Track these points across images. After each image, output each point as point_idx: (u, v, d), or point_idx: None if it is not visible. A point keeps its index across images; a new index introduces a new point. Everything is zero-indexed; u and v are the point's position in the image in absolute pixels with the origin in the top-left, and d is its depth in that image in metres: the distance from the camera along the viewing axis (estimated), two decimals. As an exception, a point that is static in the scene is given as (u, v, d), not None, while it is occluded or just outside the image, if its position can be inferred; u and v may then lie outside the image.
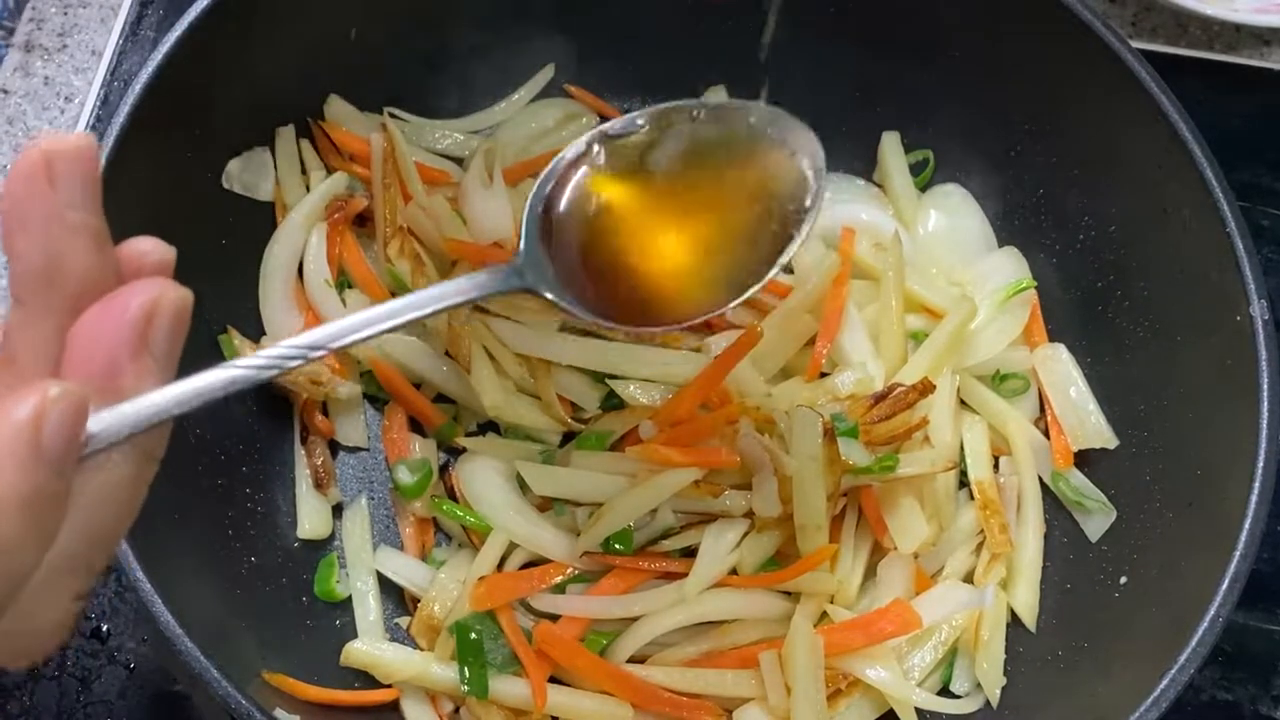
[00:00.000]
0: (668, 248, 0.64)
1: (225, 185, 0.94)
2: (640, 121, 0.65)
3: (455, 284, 0.60)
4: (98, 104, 1.08)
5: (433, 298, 0.57)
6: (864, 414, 0.88)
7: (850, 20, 1.03)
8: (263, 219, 0.97)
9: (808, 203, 0.63)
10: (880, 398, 0.89)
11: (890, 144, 1.07)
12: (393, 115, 1.02)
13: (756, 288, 0.65)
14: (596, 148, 0.64)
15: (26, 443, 0.36)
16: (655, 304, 0.64)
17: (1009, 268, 1.02)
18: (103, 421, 0.40)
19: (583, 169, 0.64)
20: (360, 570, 0.91)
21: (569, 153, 0.64)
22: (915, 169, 1.07)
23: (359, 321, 0.52)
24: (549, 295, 0.62)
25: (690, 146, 0.63)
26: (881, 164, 1.07)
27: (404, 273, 0.94)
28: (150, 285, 0.40)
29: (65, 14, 1.13)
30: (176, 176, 0.89)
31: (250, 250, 0.95)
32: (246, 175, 0.96)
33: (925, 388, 0.89)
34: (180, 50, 0.84)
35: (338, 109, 1.00)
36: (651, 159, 0.64)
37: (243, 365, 0.46)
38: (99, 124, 1.07)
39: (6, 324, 0.40)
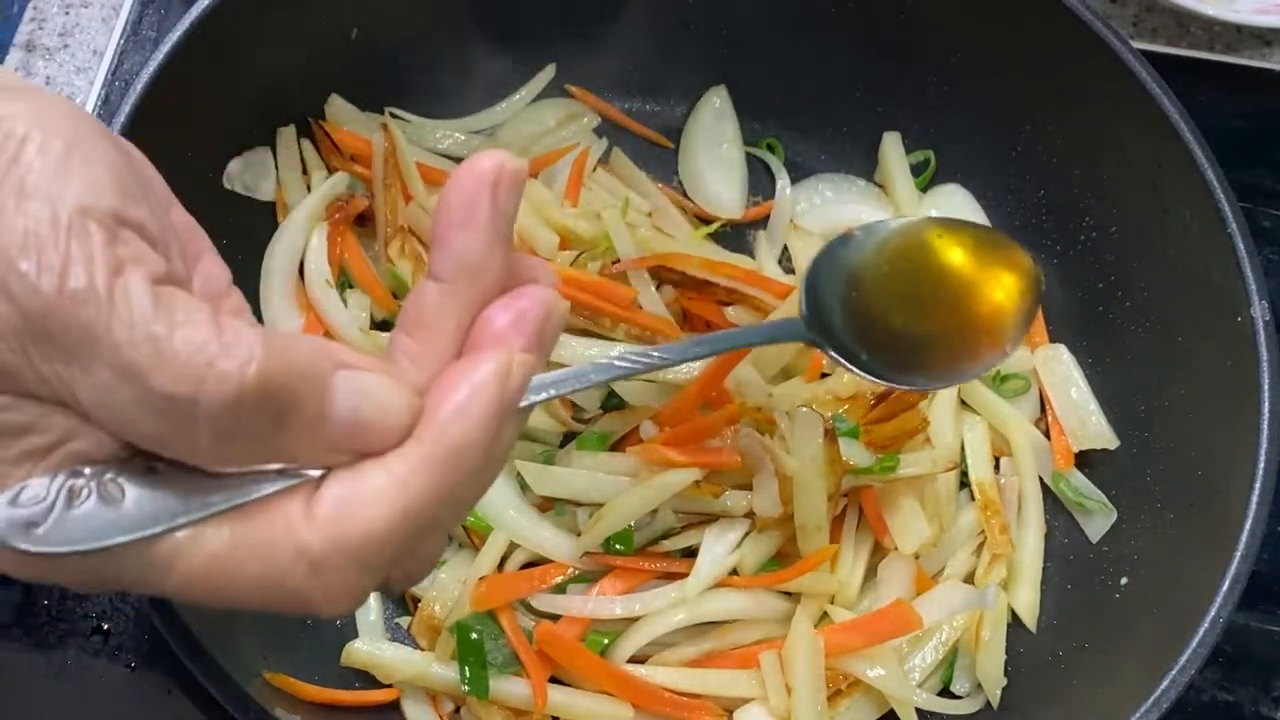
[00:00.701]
0: (918, 321, 0.76)
1: (226, 185, 0.94)
2: (893, 224, 0.79)
3: (752, 330, 0.84)
4: (99, 104, 1.08)
5: (729, 338, 0.76)
6: (865, 414, 0.88)
7: (851, 20, 1.03)
8: (263, 219, 0.97)
9: (1033, 304, 0.77)
10: (881, 398, 0.89)
11: (891, 144, 1.07)
12: (394, 115, 1.02)
13: (987, 363, 0.78)
14: (860, 234, 0.76)
15: (494, 393, 0.44)
16: (910, 365, 0.75)
17: None
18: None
19: (850, 247, 0.76)
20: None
21: (853, 232, 0.77)
22: (916, 169, 1.07)
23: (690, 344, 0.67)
24: (829, 351, 0.72)
25: (937, 248, 0.77)
26: (883, 164, 1.07)
27: (405, 273, 0.94)
28: (548, 292, 0.48)
29: (67, 14, 1.13)
30: (177, 176, 0.88)
31: (251, 250, 0.95)
32: (247, 175, 0.96)
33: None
34: (181, 50, 0.84)
35: (339, 109, 1.00)
36: (905, 250, 0.77)
37: (620, 361, 0.58)
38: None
39: (421, 294, 0.47)
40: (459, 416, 0.44)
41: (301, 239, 0.96)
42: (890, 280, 0.75)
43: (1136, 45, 0.93)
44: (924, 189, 1.07)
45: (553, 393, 0.51)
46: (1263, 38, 1.21)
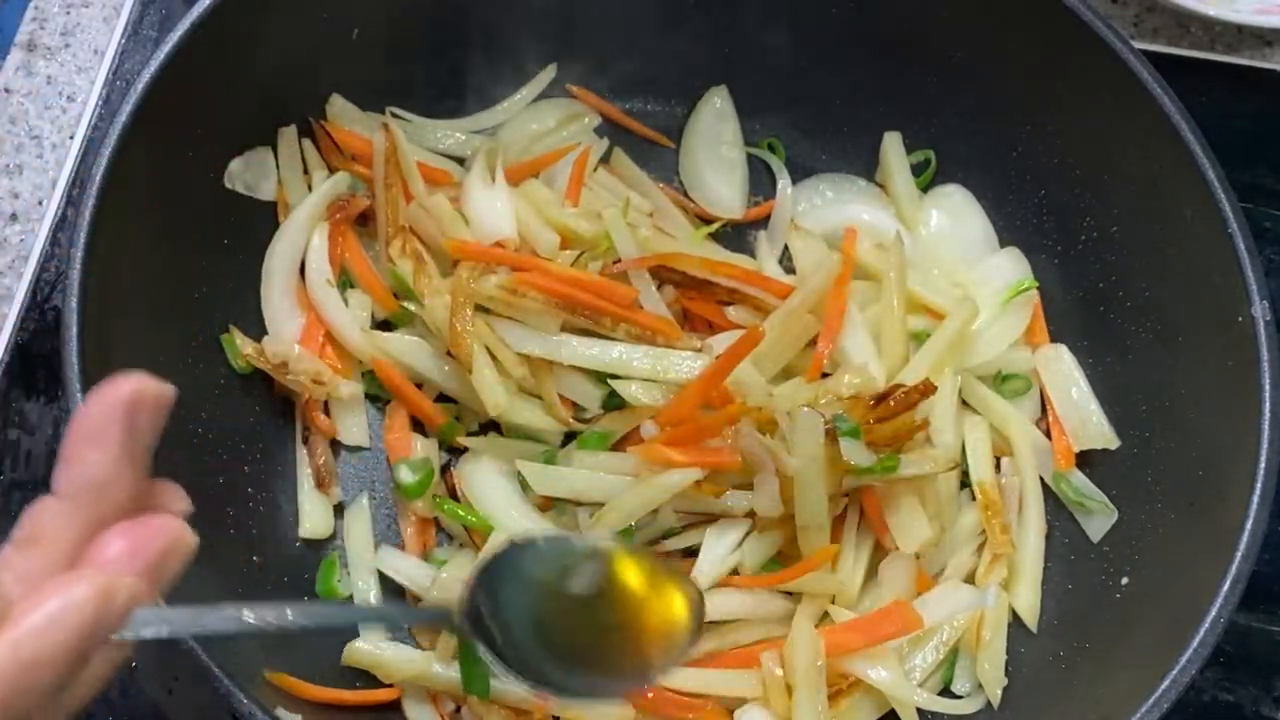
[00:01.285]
0: (581, 632, 0.71)
1: (227, 185, 0.94)
2: (575, 539, 0.76)
3: (402, 610, 0.91)
4: (100, 103, 1.08)
5: (370, 614, 0.81)
6: (865, 414, 0.88)
7: (853, 20, 1.03)
8: (264, 218, 0.97)
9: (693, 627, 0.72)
10: (882, 398, 0.89)
11: (892, 144, 1.07)
12: (394, 115, 1.02)
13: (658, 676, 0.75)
14: (542, 542, 0.71)
15: (91, 613, 0.42)
16: (562, 672, 0.69)
17: (1011, 268, 1.02)
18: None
19: (528, 551, 0.70)
20: (362, 569, 0.91)
21: (537, 538, 0.72)
22: (917, 169, 1.07)
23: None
24: (479, 644, 0.66)
25: (614, 569, 0.72)
26: (883, 164, 1.07)
27: (405, 272, 0.94)
28: (175, 525, 0.47)
29: (68, 13, 1.13)
30: (179, 176, 0.89)
31: (252, 249, 0.95)
32: (248, 175, 0.95)
33: (926, 389, 0.89)
34: (183, 50, 0.84)
35: (340, 108, 1.00)
36: (581, 565, 0.71)
37: (249, 617, 0.53)
38: (101, 124, 1.07)
39: (38, 509, 0.45)
40: (38, 632, 0.41)
41: (303, 238, 0.96)
42: (561, 591, 0.71)
43: (1137, 45, 0.93)
44: (924, 189, 1.07)
45: (163, 631, 0.47)
46: (1263, 38, 1.21)
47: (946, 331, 0.96)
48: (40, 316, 1.00)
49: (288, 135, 0.98)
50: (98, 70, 1.10)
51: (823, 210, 1.07)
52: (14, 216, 1.05)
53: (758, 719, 0.84)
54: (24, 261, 1.03)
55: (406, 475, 0.91)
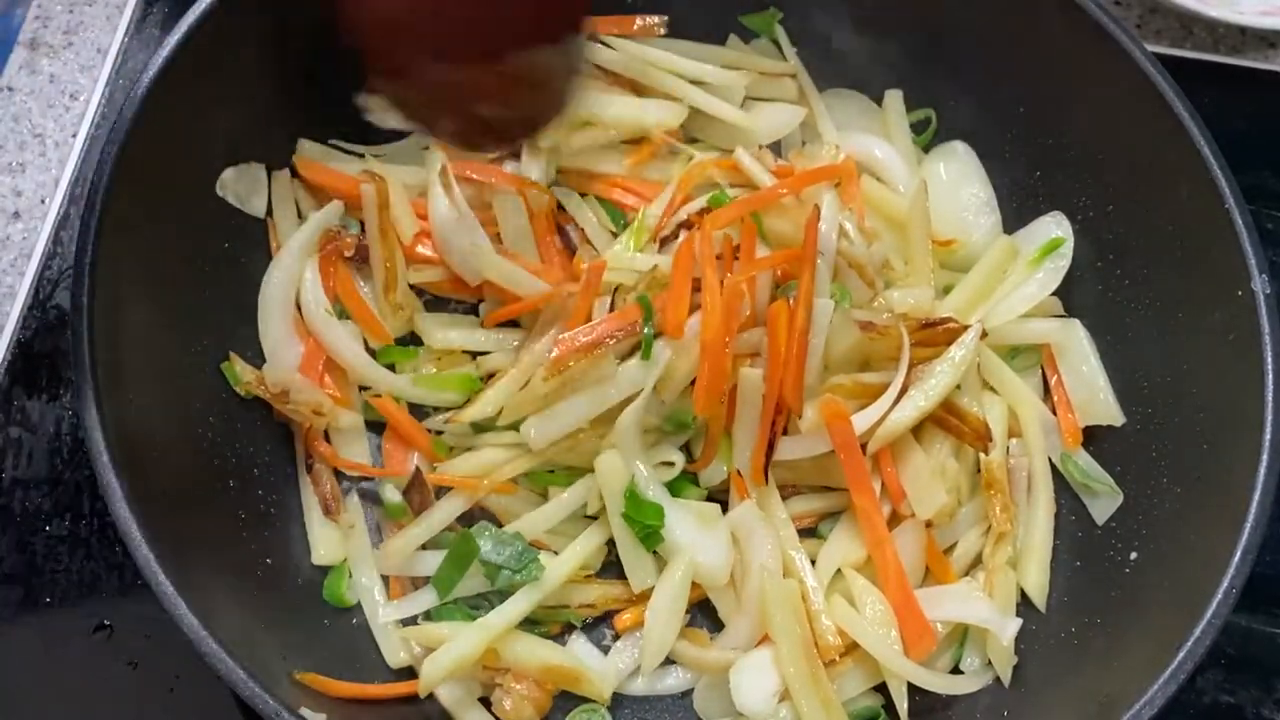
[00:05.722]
0: None
1: (219, 193, 0.93)
2: None
3: None
4: (103, 102, 1.08)
5: None
6: (914, 331, 0.89)
7: (860, 10, 1.04)
8: (258, 222, 0.96)
9: None
10: (930, 324, 0.90)
11: (893, 103, 1.07)
12: (368, 153, 1.00)
13: None
14: None
15: None
16: None
17: (1055, 230, 1.00)
18: None
19: None
20: (365, 578, 0.91)
21: None
22: (918, 130, 1.06)
23: None
24: None
25: None
26: (884, 122, 1.07)
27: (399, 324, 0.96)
28: None
29: (71, 12, 1.13)
30: (180, 176, 0.89)
31: (256, 251, 0.95)
32: (240, 186, 0.94)
33: (981, 333, 0.90)
34: (185, 48, 0.84)
35: (309, 150, 0.98)
36: None
37: None
38: (104, 122, 1.07)
39: None
40: None
41: (298, 268, 0.94)
42: None
43: (1140, 47, 0.93)
44: (925, 148, 1.07)
45: None
46: (1267, 39, 1.21)
47: (985, 265, 0.97)
48: (42, 315, 1.00)
49: (281, 179, 0.97)
50: (101, 69, 1.10)
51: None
52: (16, 214, 1.05)
53: (761, 662, 0.85)
54: (26, 260, 1.03)
55: (391, 495, 0.91)
